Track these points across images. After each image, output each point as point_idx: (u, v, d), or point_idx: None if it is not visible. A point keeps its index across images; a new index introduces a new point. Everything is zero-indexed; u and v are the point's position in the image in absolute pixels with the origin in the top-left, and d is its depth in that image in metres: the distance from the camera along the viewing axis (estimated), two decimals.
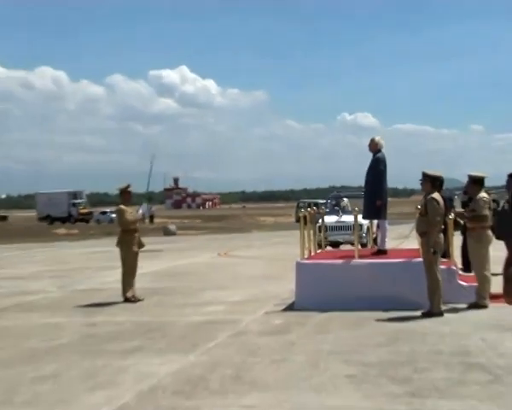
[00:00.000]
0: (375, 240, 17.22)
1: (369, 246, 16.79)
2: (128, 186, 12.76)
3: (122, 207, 12.55)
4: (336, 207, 22.86)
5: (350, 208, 21.45)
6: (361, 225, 18.38)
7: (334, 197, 25.71)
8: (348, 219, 19.96)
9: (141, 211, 13.25)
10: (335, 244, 20.21)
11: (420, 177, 10.29)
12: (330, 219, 19.98)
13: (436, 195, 9.91)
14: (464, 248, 12.71)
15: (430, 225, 9.74)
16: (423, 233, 9.91)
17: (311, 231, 12.25)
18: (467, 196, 12.73)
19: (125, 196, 12.68)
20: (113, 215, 58.89)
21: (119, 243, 12.53)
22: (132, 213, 12.71)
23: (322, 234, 14.18)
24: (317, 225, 18.07)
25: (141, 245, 12.74)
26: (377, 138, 11.58)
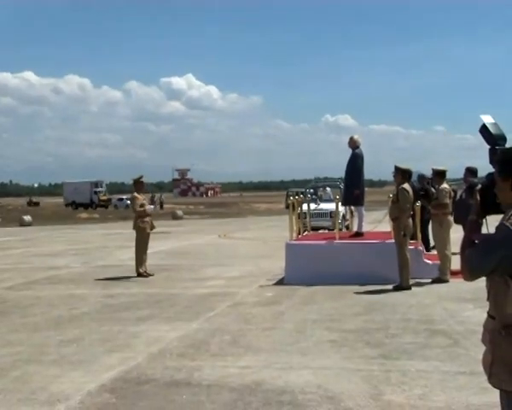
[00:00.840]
0: (347, 227, 16.92)
1: (344, 231, 16.63)
2: (141, 177, 12.73)
3: (136, 194, 12.49)
4: (314, 196, 21.99)
5: (331, 197, 20.72)
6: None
7: (312, 187, 24.34)
8: (325, 206, 19.49)
9: (151, 207, 13.10)
10: (313, 230, 19.62)
11: (392, 170, 10.27)
12: (311, 207, 19.49)
13: (406, 185, 9.89)
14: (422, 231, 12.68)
15: (401, 212, 9.73)
16: (395, 218, 9.90)
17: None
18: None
19: (139, 185, 12.62)
20: (129, 202, 58.69)
21: (135, 226, 12.49)
22: (145, 199, 12.68)
23: (308, 219, 14.04)
24: (297, 211, 17.71)
25: (152, 227, 12.72)
26: (355, 137, 11.53)
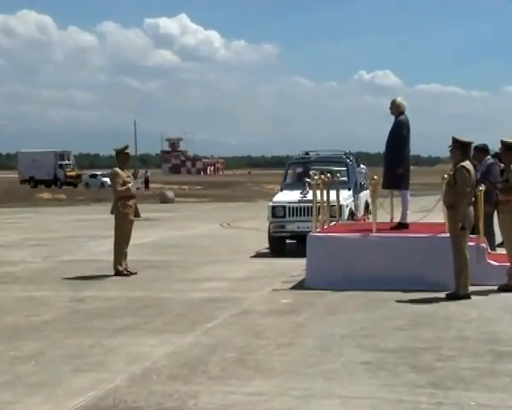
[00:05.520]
0: None
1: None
2: (126, 147, 12.61)
3: (117, 170, 12.43)
4: (305, 179, 15.13)
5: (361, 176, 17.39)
6: (341, 207, 14.58)
7: (298, 162, 17.62)
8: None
9: (138, 182, 12.98)
10: (296, 238, 15.45)
11: (449, 143, 10.18)
12: (290, 197, 15.23)
13: (467, 163, 9.80)
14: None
15: (459, 197, 9.66)
16: (450, 206, 9.85)
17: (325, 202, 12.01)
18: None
19: (122, 157, 12.55)
20: (105, 179, 58.88)
21: (114, 210, 12.48)
22: (129, 177, 12.61)
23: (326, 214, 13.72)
24: (270, 204, 15.84)
25: (137, 214, 12.68)
26: (399, 99, 11.48)
